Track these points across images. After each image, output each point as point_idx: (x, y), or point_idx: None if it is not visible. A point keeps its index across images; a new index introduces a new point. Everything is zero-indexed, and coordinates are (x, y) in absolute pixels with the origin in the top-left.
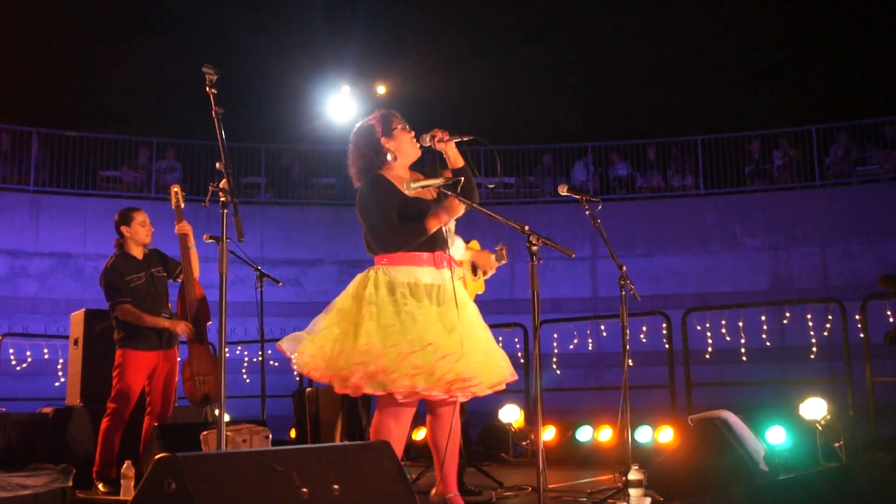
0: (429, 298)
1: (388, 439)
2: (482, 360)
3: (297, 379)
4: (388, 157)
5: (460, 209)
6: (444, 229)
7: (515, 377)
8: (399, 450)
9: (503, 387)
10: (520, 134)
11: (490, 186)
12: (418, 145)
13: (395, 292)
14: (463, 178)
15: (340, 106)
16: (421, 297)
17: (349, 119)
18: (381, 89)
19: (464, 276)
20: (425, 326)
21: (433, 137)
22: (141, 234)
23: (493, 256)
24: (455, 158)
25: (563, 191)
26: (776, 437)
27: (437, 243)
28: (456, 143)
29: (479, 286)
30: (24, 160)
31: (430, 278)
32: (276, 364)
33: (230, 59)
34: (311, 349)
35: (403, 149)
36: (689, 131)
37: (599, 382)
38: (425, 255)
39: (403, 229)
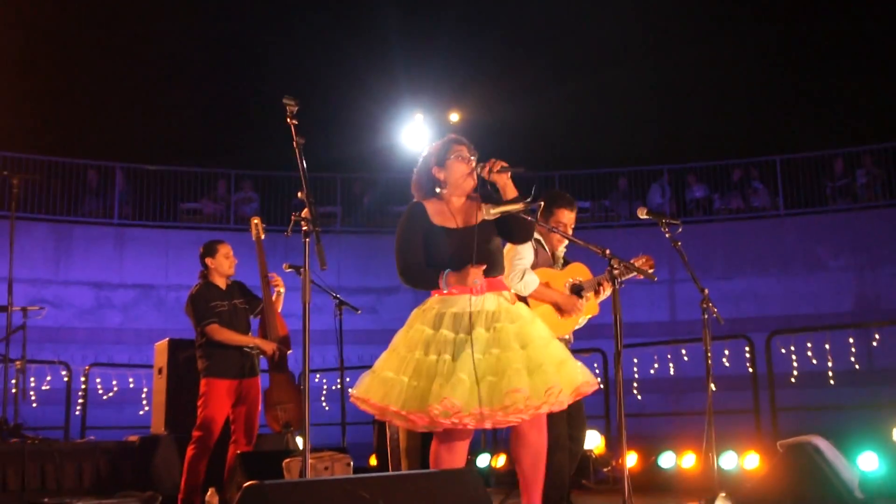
0: (483, 326)
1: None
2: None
3: None
4: (438, 187)
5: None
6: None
7: (592, 387)
8: None
9: (588, 391)
10: (594, 157)
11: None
12: (474, 175)
13: (440, 324)
14: (543, 203)
15: (414, 134)
16: (461, 327)
17: (422, 147)
18: (455, 117)
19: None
20: (435, 366)
21: (483, 167)
22: (225, 265)
23: (580, 302)
24: (508, 190)
25: (641, 214)
26: (869, 464)
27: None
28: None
29: (592, 307)
30: (109, 195)
31: (478, 305)
32: None
33: (303, 88)
34: (363, 383)
35: (453, 179)
36: (768, 151)
37: (680, 407)
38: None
39: (415, 272)
